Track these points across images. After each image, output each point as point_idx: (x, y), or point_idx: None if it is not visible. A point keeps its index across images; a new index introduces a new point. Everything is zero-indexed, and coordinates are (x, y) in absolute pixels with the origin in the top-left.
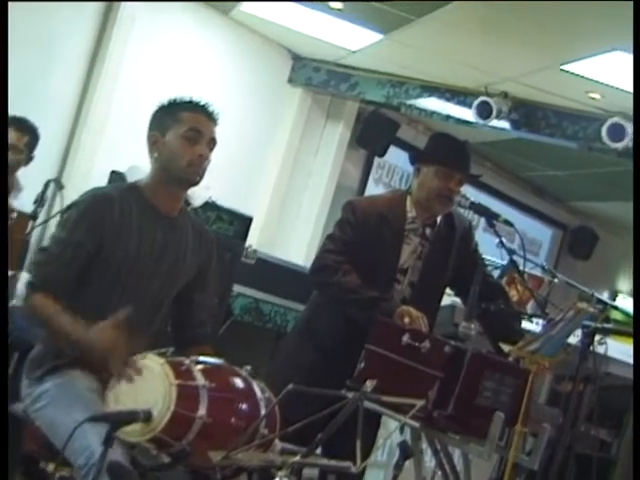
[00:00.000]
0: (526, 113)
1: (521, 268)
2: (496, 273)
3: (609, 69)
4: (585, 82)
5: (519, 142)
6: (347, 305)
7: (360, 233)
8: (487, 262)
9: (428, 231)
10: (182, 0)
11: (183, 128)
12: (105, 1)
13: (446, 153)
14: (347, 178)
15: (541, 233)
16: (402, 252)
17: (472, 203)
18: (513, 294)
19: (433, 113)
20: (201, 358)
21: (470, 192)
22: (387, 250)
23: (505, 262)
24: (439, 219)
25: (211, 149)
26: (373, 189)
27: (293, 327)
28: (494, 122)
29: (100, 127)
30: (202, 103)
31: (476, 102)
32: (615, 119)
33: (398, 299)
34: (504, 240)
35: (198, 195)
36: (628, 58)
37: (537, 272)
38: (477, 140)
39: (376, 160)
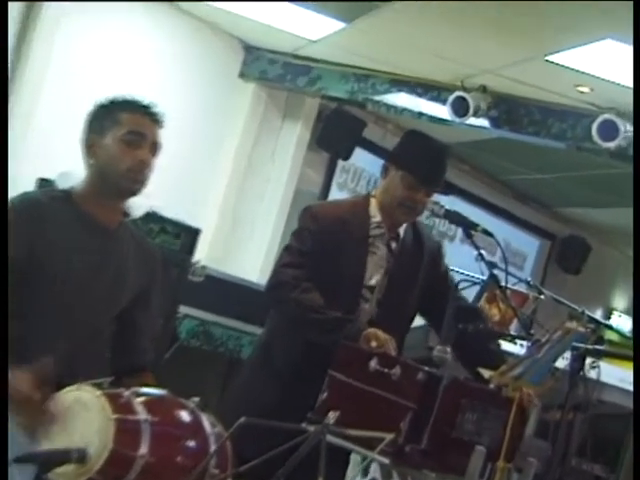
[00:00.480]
0: (507, 109)
1: (503, 284)
2: (475, 290)
3: (600, 60)
4: (573, 74)
5: (500, 142)
6: (307, 326)
7: (320, 243)
8: (465, 278)
9: (394, 245)
10: (130, 0)
11: (122, 130)
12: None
13: (418, 159)
14: (307, 184)
15: (526, 244)
16: (368, 264)
17: (447, 211)
18: (494, 313)
19: (403, 110)
20: (143, 389)
21: (445, 199)
22: (351, 262)
23: (485, 277)
24: (402, 232)
25: (154, 154)
26: (337, 195)
27: (250, 353)
28: (471, 120)
29: (24, 131)
30: (144, 103)
31: (451, 98)
32: (606, 115)
33: (365, 320)
34: (484, 252)
35: (139, 204)
36: (620, 47)
37: (521, 288)
38: (453, 140)
39: (340, 163)
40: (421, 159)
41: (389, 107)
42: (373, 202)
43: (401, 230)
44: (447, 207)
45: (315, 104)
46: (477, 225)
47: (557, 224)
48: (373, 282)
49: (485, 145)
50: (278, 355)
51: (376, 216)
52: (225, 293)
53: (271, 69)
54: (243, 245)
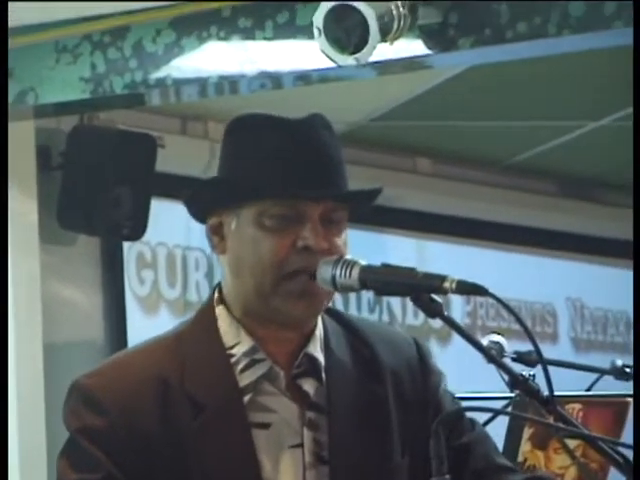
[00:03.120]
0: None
1: (547, 393)
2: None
3: None
4: None
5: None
6: None
7: (131, 451)
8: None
9: (306, 386)
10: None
11: None
12: None
13: (270, 158)
14: (68, 321)
15: (610, 293)
16: (261, 453)
17: (364, 270)
18: (561, 465)
19: (228, 83)
20: None
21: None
22: (215, 466)
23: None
24: (318, 350)
25: None
26: (144, 329)
27: None
28: (393, 49)
29: None
30: None
31: (321, 13)
32: None
33: None
34: (499, 340)
35: None
36: None
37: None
38: (364, 117)
39: (133, 250)
40: (277, 154)
41: (201, 85)
42: (222, 314)
43: (314, 347)
44: (364, 263)
45: (28, 133)
46: (443, 279)
47: None
48: None
49: (457, 89)
50: None
51: (240, 340)
52: None
53: None
54: None
